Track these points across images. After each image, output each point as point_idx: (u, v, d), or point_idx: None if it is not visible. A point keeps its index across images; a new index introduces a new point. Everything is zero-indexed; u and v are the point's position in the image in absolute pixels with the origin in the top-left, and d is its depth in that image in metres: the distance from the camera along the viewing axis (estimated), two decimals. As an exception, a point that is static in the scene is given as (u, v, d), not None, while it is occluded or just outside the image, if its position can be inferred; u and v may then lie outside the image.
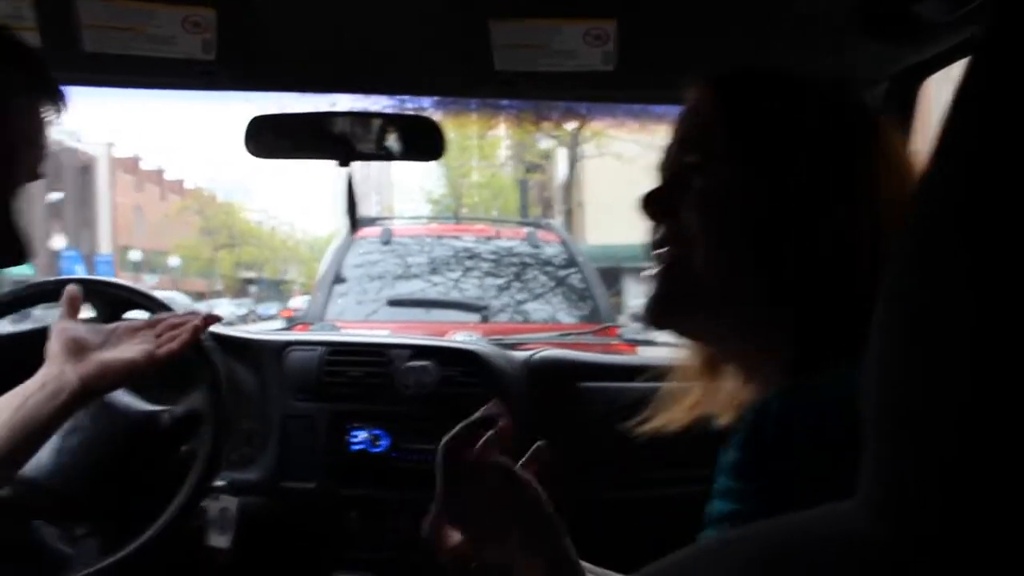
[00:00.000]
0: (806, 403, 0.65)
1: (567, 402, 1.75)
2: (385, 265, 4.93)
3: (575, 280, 5.00)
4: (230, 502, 1.53)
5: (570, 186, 20.09)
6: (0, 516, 1.28)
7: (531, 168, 21.04)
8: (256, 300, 36.79)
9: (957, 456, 0.29)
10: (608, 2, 1.22)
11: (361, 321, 4.47)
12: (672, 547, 0.43)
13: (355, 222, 1.36)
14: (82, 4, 1.06)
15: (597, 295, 4.95)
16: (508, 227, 5.84)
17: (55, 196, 26.96)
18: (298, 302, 14.67)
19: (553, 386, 1.77)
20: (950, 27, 1.15)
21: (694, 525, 0.73)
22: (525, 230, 5.33)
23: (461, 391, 1.71)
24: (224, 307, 26.32)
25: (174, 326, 1.15)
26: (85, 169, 33.63)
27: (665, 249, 0.80)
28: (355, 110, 1.37)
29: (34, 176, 0.68)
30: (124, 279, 1.64)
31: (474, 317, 4.71)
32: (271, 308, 29.85)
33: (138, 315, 1.43)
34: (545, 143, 19.41)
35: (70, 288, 1.15)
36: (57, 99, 0.67)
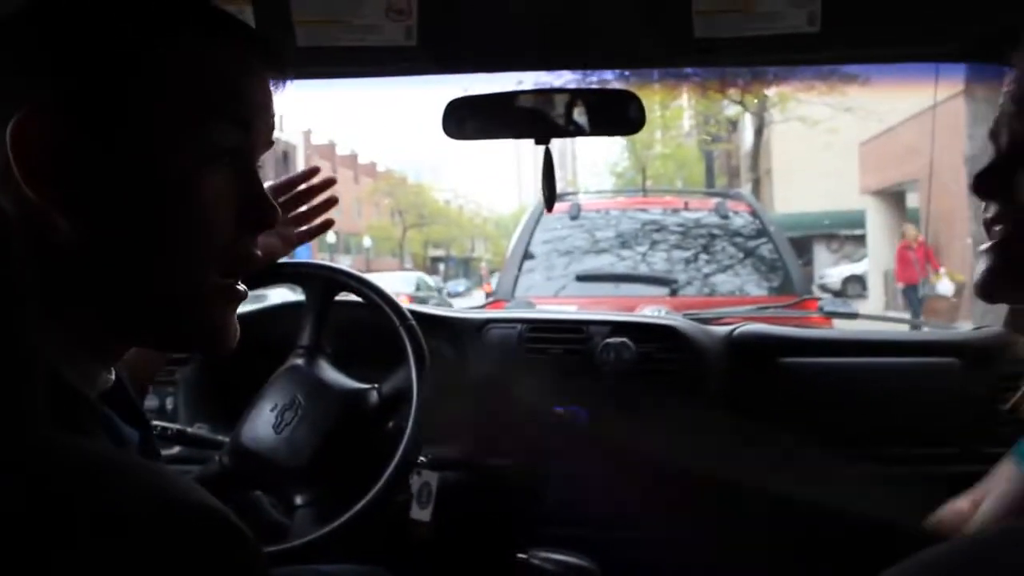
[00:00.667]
0: None
1: (770, 379, 1.70)
2: (573, 240, 4.94)
3: (766, 251, 4.84)
4: (431, 477, 1.57)
5: (757, 154, 19.43)
6: (224, 486, 1.36)
7: (716, 139, 20.49)
8: (444, 278, 37.88)
9: None
10: None
11: (550, 297, 4.51)
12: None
13: (552, 199, 1.35)
14: (295, 1, 1.11)
15: (790, 266, 4.77)
16: (696, 198, 5.71)
17: (260, 183, 28.72)
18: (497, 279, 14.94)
19: (756, 362, 1.71)
20: None
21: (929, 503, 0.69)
22: (714, 201, 5.20)
23: (660, 367, 1.69)
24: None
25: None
26: (285, 156, 35.70)
27: (999, 227, 0.73)
28: (547, 87, 1.36)
29: (268, 144, 0.71)
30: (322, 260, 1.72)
31: (663, 291, 4.65)
32: (459, 285, 30.67)
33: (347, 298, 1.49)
34: (730, 110, 18.83)
35: None
36: (281, 71, 0.70)
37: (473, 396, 1.73)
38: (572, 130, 1.30)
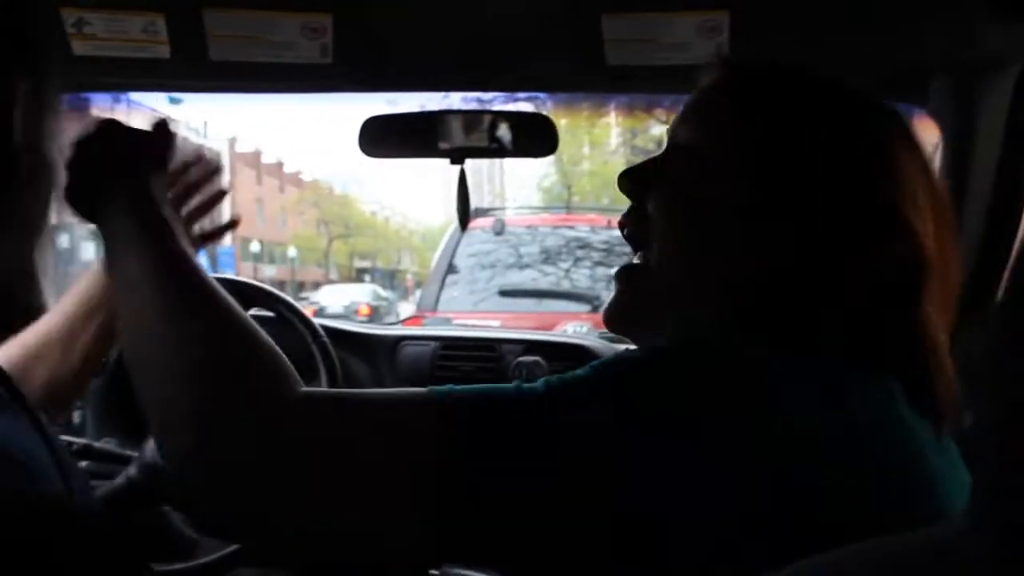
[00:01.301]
0: None
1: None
2: (497, 255, 4.98)
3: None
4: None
5: (682, 173, 19.69)
6: (132, 501, 1.34)
7: (643, 156, 20.76)
8: (370, 290, 37.56)
9: None
10: None
11: (472, 311, 4.53)
12: None
13: (466, 219, 1.37)
14: (209, 17, 1.11)
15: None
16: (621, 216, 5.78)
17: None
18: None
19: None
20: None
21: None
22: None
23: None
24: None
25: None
26: (209, 163, 34.91)
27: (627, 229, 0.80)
28: (465, 108, 1.38)
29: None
30: (245, 270, 1.70)
31: (585, 307, 4.71)
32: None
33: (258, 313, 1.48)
34: (656, 130, 19.13)
35: None
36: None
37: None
38: (487, 151, 1.32)
